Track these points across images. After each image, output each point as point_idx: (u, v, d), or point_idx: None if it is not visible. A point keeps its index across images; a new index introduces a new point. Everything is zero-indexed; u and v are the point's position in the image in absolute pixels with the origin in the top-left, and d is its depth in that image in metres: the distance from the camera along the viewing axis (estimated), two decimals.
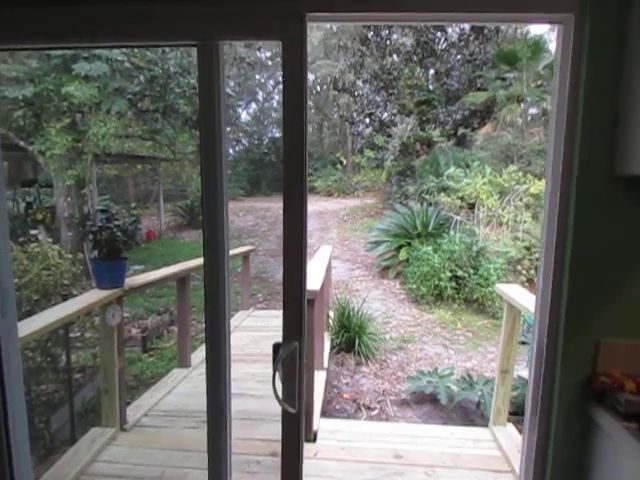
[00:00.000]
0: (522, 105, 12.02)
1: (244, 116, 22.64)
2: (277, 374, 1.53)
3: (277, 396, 1.50)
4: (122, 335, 3.50)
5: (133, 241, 3.25)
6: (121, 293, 3.31)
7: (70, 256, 4.40)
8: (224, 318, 1.63)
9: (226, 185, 1.57)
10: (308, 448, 3.12)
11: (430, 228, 8.97)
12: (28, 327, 2.53)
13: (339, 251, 11.00)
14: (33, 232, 7.98)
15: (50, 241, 4.60)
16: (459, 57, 15.20)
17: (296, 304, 1.51)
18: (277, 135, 23.05)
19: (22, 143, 7.32)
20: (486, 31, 14.47)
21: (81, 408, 4.46)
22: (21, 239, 5.90)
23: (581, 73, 1.35)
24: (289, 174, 1.46)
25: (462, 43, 15.03)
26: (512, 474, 2.77)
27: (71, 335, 4.28)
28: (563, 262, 1.42)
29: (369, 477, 2.81)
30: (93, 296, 3.20)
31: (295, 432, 1.54)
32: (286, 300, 1.53)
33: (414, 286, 7.70)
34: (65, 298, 4.05)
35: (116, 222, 3.17)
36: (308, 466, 2.92)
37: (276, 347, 1.54)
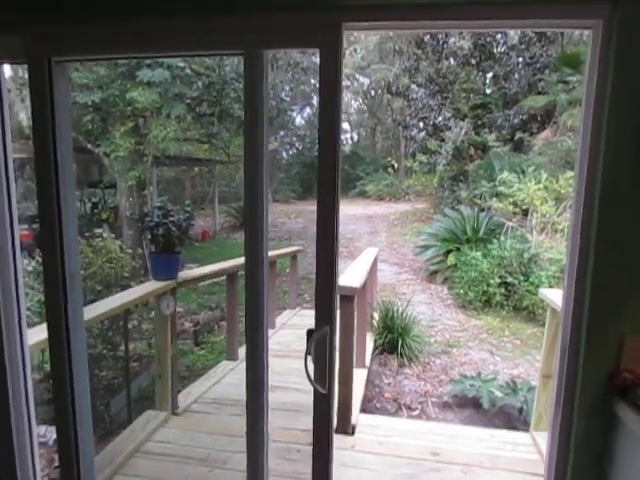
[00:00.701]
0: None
1: (298, 120, 23.05)
2: (309, 357, 1.65)
3: (309, 376, 1.61)
4: (175, 324, 3.74)
5: (186, 236, 3.48)
6: (174, 285, 3.55)
7: (130, 251, 4.73)
8: (263, 314, 1.76)
9: (268, 189, 1.70)
10: (346, 440, 3.22)
11: (481, 233, 8.82)
12: (93, 312, 2.78)
13: (387, 254, 11.02)
14: (98, 231, 8.55)
15: (113, 237, 4.96)
16: (519, 60, 14.80)
17: (327, 293, 1.63)
18: None
19: (89, 146, 7.88)
20: (549, 33, 14.04)
21: (137, 394, 4.76)
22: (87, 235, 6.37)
23: (608, 78, 1.39)
24: (323, 173, 1.57)
25: (523, 46, 14.63)
26: None
27: (129, 326, 4.59)
28: (587, 261, 1.45)
29: (405, 471, 2.87)
30: (149, 286, 3.46)
31: (326, 411, 1.66)
32: (318, 289, 1.65)
33: (461, 291, 7.61)
34: (125, 290, 4.37)
35: (171, 218, 3.40)
36: (345, 457, 3.03)
37: (309, 332, 1.66)
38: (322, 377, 1.63)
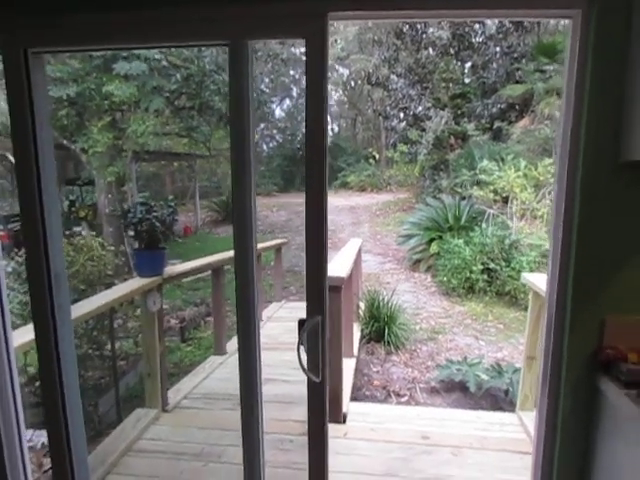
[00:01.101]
0: (561, 98, 11.73)
1: (278, 112, 22.89)
2: (302, 347, 1.66)
3: (302, 366, 1.63)
4: (162, 321, 3.72)
5: (171, 232, 3.45)
6: (160, 281, 3.52)
7: (113, 248, 4.67)
8: (254, 307, 1.76)
9: (255, 181, 1.70)
10: (338, 429, 3.25)
11: (462, 221, 8.93)
12: (78, 311, 2.75)
13: (371, 245, 11.08)
14: (77, 229, 8.40)
15: (93, 234, 4.89)
16: (497, 50, 14.93)
17: (318, 283, 1.64)
18: None
19: (65, 142, 7.66)
20: (526, 23, 14.17)
21: (125, 393, 4.73)
22: (66, 234, 6.26)
23: (587, 67, 1.42)
24: (310, 164, 1.58)
25: (500, 35, 14.75)
26: None
27: (114, 325, 4.54)
28: (570, 242, 1.49)
29: (397, 455, 2.92)
30: (135, 284, 3.42)
31: (320, 400, 1.67)
32: (309, 280, 1.66)
33: (445, 279, 7.71)
34: (109, 288, 4.32)
35: (155, 214, 3.37)
36: (338, 445, 3.07)
37: (301, 322, 1.67)
38: (315, 366, 1.64)
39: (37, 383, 4.10)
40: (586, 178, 1.44)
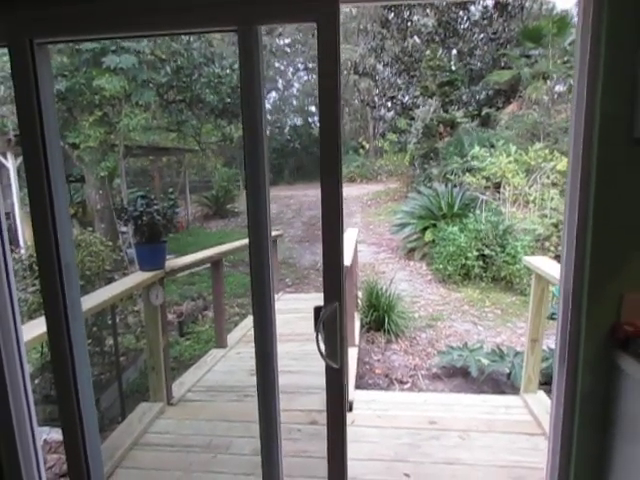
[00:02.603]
0: (548, 82, 11.79)
1: (266, 105, 22.69)
2: (319, 335, 1.66)
3: (321, 353, 1.63)
4: (165, 315, 3.70)
5: (172, 224, 3.43)
6: (162, 275, 3.50)
7: (111, 243, 4.62)
8: (270, 295, 1.76)
9: (269, 167, 1.69)
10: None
11: (455, 209, 8.96)
12: (85, 304, 2.71)
13: (364, 235, 11.09)
14: None
15: (90, 229, 4.84)
16: (482, 36, 14.96)
17: (336, 269, 1.64)
18: (298, 123, 23.13)
19: None
20: (510, 8, 14.19)
21: (126, 389, 4.71)
22: None
23: (601, 36, 1.41)
24: (325, 152, 1.58)
25: (485, 21, 14.78)
26: (544, 437, 2.86)
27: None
28: (586, 219, 1.50)
29: (406, 441, 2.94)
30: (137, 278, 3.40)
31: (339, 385, 1.68)
32: (326, 266, 1.65)
33: (441, 266, 7.75)
34: (108, 283, 4.29)
35: (155, 207, 3.34)
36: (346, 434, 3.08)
37: (317, 310, 1.66)
38: (334, 352, 1.64)
39: (36, 381, 4.09)
40: (602, 154, 1.45)
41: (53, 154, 1.72)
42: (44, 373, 4.03)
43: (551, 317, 4.24)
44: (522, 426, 3.06)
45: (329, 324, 1.65)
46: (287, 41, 21.79)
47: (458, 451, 2.84)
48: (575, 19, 11.16)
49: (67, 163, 10.73)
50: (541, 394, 3.34)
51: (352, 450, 2.88)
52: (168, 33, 2.67)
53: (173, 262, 3.74)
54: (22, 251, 4.73)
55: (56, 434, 3.35)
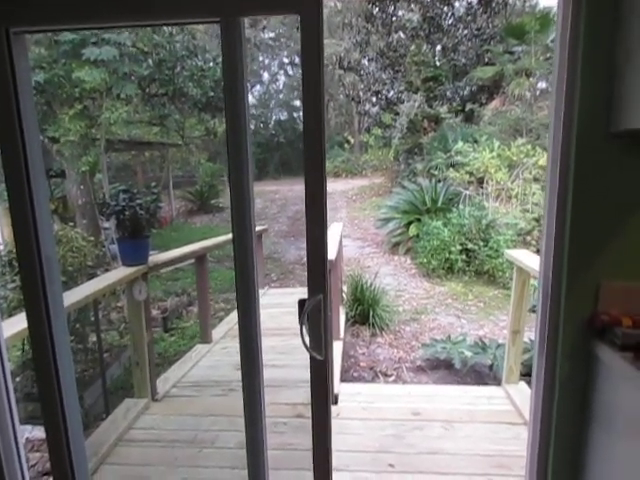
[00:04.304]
0: (531, 79, 11.93)
1: (250, 99, 22.53)
2: (304, 327, 1.67)
3: (305, 345, 1.63)
4: (149, 310, 3.67)
5: (155, 219, 3.39)
6: (146, 270, 3.47)
7: (92, 239, 4.57)
8: (254, 290, 1.76)
9: (252, 160, 1.69)
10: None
11: (439, 203, 9.04)
12: (67, 299, 2.68)
13: (349, 230, 11.12)
14: None
15: (72, 225, 4.78)
16: (466, 32, 15.01)
17: (320, 261, 1.64)
18: (283, 117, 23.05)
19: None
20: (494, 4, 14.27)
21: (110, 386, 4.67)
22: None
23: (580, 33, 1.44)
24: (308, 144, 1.58)
25: (469, 17, 14.83)
26: (525, 426, 2.92)
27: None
28: (565, 212, 1.53)
29: (390, 432, 2.98)
30: (120, 273, 3.37)
31: (323, 377, 1.69)
32: (310, 258, 1.66)
33: (425, 260, 7.82)
34: (90, 279, 4.24)
35: (138, 201, 3.30)
36: (332, 425, 3.10)
37: (301, 302, 1.67)
38: (318, 344, 1.65)
39: (17, 379, 4.04)
40: (580, 148, 1.48)
41: (32, 148, 1.69)
42: (26, 371, 3.97)
43: (532, 310, 4.31)
44: (504, 416, 3.12)
45: (313, 316, 1.66)
46: (271, 35, 21.68)
47: (441, 441, 2.88)
48: (556, 19, 11.32)
49: (47, 158, 10.54)
50: (522, 385, 3.41)
51: (337, 442, 2.91)
52: (150, 24, 2.63)
53: (156, 257, 3.71)
54: (0, 247, 4.66)
55: (39, 432, 3.32)
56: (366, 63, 16.67)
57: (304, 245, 1.67)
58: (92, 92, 6.60)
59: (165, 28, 7.20)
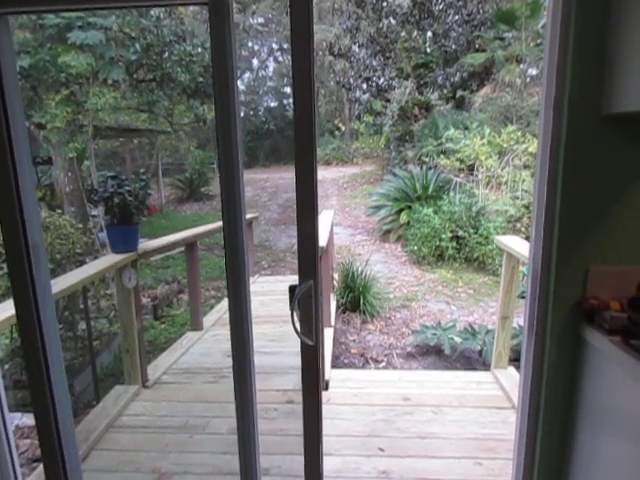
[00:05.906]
0: (521, 65, 11.91)
1: (239, 85, 22.29)
2: (295, 313, 1.67)
3: (296, 330, 1.64)
4: (139, 297, 3.65)
5: (144, 206, 3.36)
6: (135, 257, 3.45)
7: (81, 226, 4.52)
8: (244, 277, 1.75)
9: (242, 147, 1.67)
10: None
11: (430, 191, 9.06)
12: (56, 286, 2.66)
13: (340, 218, 11.13)
14: None
15: (60, 212, 4.72)
16: (457, 18, 14.92)
17: (310, 247, 1.64)
18: (273, 105, 22.85)
19: None
20: None
21: (100, 373, 4.67)
22: None
23: (571, 17, 1.43)
24: (299, 124, 1.56)
25: (460, 3, 14.73)
26: (513, 410, 2.96)
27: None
28: (554, 197, 1.54)
29: (380, 417, 3.01)
30: (109, 260, 3.34)
31: (314, 362, 1.69)
32: (301, 244, 1.65)
33: (415, 248, 7.85)
34: (79, 267, 4.21)
35: (127, 187, 3.27)
36: (322, 411, 3.12)
37: (292, 288, 1.67)
38: (309, 329, 1.65)
39: (6, 366, 4.02)
40: (570, 133, 1.48)
41: (18, 134, 1.66)
42: (14, 358, 3.95)
43: (521, 296, 4.36)
44: (492, 400, 3.16)
45: (304, 302, 1.65)
46: (260, 20, 21.39)
47: (431, 426, 2.92)
48: (547, 1, 11.28)
49: (33, 144, 10.39)
50: (511, 369, 3.45)
51: (328, 427, 2.96)
52: (137, 5, 2.57)
53: (146, 244, 3.69)
54: None
55: (28, 419, 3.32)
56: (356, 49, 16.54)
57: (295, 233, 1.66)
58: (78, 77, 6.48)
59: (152, 12, 7.08)
